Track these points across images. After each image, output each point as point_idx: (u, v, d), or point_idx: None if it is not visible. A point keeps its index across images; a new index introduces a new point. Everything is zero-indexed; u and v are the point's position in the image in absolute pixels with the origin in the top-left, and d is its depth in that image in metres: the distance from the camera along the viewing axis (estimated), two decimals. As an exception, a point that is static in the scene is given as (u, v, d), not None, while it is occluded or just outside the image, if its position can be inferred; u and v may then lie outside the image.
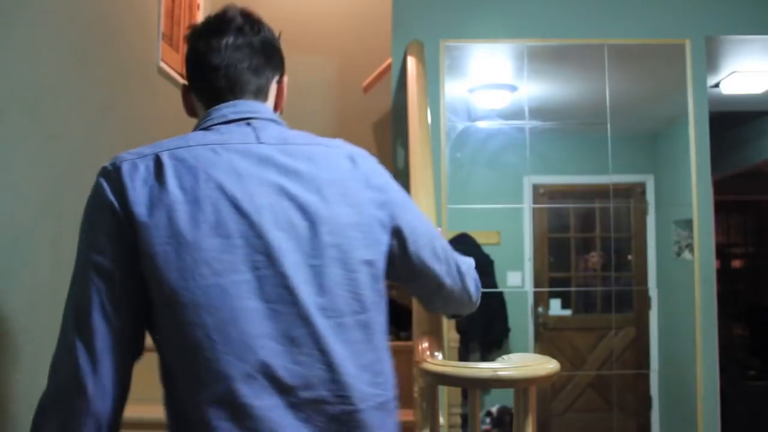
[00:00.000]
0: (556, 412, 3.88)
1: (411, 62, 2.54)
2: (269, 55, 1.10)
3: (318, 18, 3.95)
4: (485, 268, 3.75)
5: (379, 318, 1.01)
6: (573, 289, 4.06)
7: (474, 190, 3.50)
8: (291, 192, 0.95)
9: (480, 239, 3.72)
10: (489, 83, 3.27)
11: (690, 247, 2.87)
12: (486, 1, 2.86)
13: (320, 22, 3.94)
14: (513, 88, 3.26)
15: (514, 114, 3.21)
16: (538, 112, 3.22)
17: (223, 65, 1.04)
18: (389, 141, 2.93)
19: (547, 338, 3.89)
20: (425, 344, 1.46)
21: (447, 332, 2.28)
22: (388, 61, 2.95)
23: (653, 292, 3.77)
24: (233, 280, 0.89)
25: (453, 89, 2.97)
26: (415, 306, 1.63)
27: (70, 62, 2.07)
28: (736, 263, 6.11)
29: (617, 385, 3.70)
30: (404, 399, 2.12)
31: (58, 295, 2.13)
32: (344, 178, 1.01)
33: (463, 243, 3.65)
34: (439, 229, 1.55)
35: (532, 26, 2.85)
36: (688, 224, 2.90)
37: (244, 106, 1.05)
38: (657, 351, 3.73)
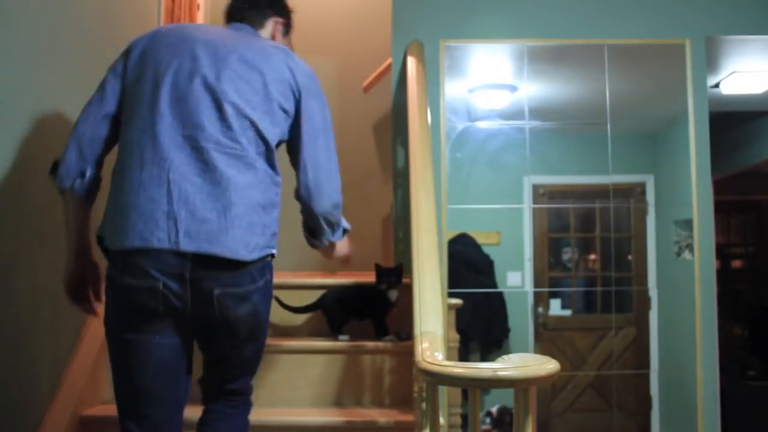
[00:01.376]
0: (556, 412, 3.88)
1: (411, 62, 2.54)
2: (271, 2, 1.74)
3: (318, 18, 3.95)
4: (485, 268, 3.75)
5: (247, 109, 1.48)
6: (573, 289, 4.06)
7: (474, 190, 3.50)
8: (224, 41, 1.54)
9: (480, 239, 3.72)
10: (489, 83, 3.26)
11: (690, 247, 2.87)
12: (486, 1, 2.86)
13: (320, 22, 3.94)
14: (513, 88, 3.26)
15: (514, 114, 3.21)
16: (538, 112, 3.22)
17: (231, 6, 1.72)
18: (389, 141, 2.93)
19: (547, 338, 3.89)
20: (425, 344, 1.46)
21: (447, 332, 2.28)
22: (388, 61, 2.95)
23: (653, 292, 3.77)
24: (169, 68, 1.48)
25: (453, 89, 2.97)
26: (415, 306, 1.63)
27: (70, 62, 2.07)
28: (736, 263, 6.10)
29: (617, 385, 3.70)
30: (404, 399, 2.13)
31: (58, 295, 2.14)
32: (267, 48, 1.58)
33: (462, 243, 3.65)
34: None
35: (532, 26, 2.85)
36: (688, 224, 2.89)
37: (234, 24, 1.68)
38: (657, 351, 3.73)
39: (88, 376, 2.01)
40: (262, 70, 1.51)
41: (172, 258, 1.36)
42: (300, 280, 2.45)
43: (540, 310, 3.85)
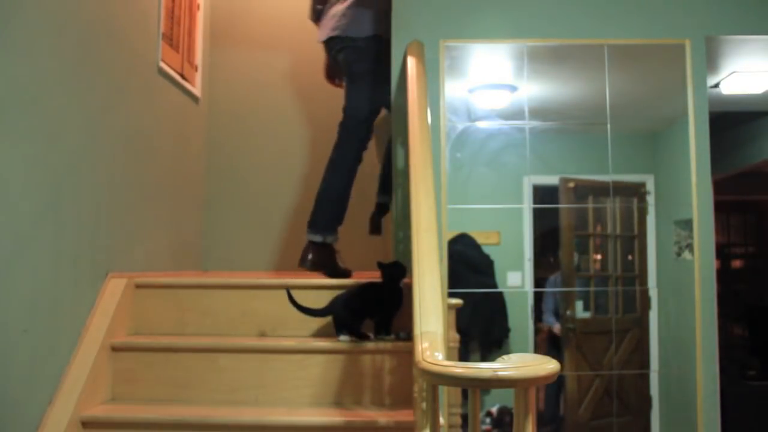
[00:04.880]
0: (583, 419, 3.86)
1: (411, 62, 2.54)
2: None
3: (318, 18, 3.94)
4: (485, 268, 3.75)
5: None
6: (573, 289, 4.06)
7: (474, 190, 3.49)
8: None
9: (480, 239, 3.72)
10: (489, 83, 3.26)
11: (690, 247, 2.87)
12: (486, 1, 2.86)
13: (320, 22, 3.93)
14: (513, 88, 3.26)
15: (514, 114, 3.21)
16: (538, 112, 3.22)
17: None
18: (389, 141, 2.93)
19: (573, 343, 3.87)
20: (425, 344, 1.46)
21: (447, 332, 2.28)
22: (388, 61, 2.95)
23: (653, 292, 3.77)
24: None
25: (453, 89, 2.97)
26: (415, 306, 1.63)
27: (70, 62, 2.07)
28: (736, 263, 6.11)
29: (617, 386, 3.70)
30: (404, 399, 2.13)
31: (59, 295, 2.14)
32: None
33: (463, 243, 3.65)
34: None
35: (532, 26, 2.85)
36: (688, 224, 2.90)
37: None
38: (657, 351, 3.73)
39: (88, 376, 2.01)
40: None
41: (328, 44, 2.90)
42: (303, 281, 2.45)
43: (569, 313, 3.81)
